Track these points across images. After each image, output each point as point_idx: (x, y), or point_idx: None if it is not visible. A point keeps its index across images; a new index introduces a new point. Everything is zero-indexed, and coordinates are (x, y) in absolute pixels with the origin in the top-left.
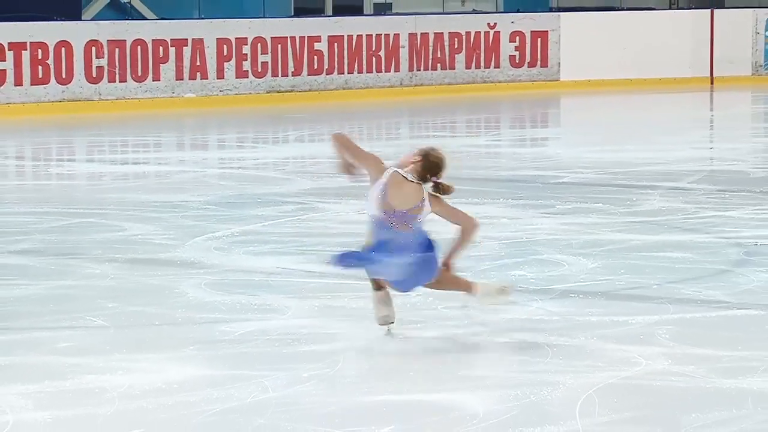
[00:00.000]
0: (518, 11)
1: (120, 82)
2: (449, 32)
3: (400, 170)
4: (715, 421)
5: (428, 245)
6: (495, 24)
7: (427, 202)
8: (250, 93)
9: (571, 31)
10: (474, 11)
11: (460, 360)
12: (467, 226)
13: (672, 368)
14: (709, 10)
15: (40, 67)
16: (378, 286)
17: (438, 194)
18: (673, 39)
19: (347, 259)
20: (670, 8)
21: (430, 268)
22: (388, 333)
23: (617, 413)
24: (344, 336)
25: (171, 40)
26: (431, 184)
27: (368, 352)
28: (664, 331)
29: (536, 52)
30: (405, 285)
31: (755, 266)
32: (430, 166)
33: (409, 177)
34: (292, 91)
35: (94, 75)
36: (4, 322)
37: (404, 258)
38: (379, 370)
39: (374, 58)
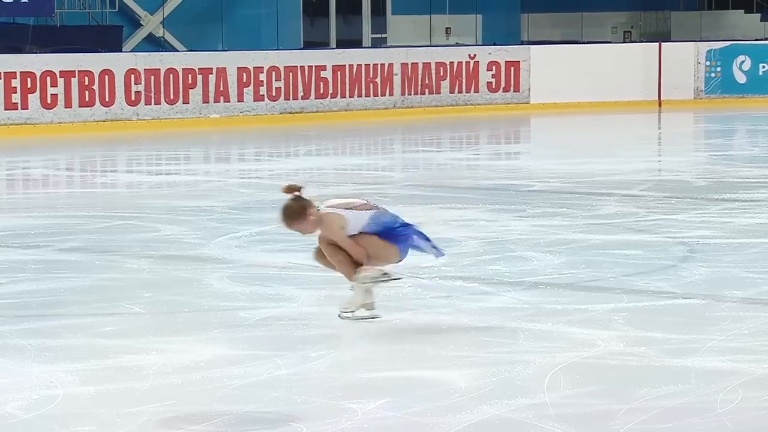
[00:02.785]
0: (494, 44)
1: (155, 104)
2: (436, 62)
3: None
4: (664, 395)
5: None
6: (475, 55)
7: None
8: (266, 114)
9: (540, 61)
10: (457, 44)
11: (445, 342)
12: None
13: (626, 349)
14: (658, 43)
15: (86, 92)
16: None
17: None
18: (626, 68)
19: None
20: (624, 42)
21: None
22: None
23: (580, 387)
24: (346, 322)
25: (199, 68)
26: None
27: (367, 336)
28: (620, 317)
29: (510, 79)
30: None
31: (697, 262)
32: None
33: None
34: (301, 112)
35: (133, 98)
36: (56, 309)
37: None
38: (376, 351)
39: (372, 84)
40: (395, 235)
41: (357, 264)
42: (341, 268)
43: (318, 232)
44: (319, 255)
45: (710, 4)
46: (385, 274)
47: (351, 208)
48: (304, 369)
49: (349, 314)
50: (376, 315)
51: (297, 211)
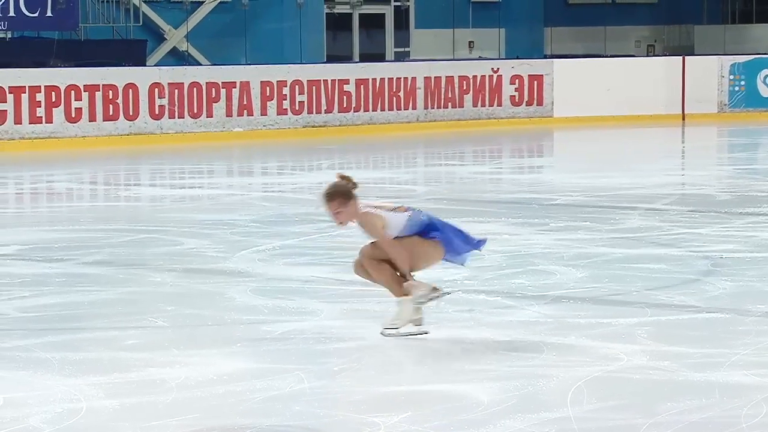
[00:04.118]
0: (518, 58)
1: (179, 118)
2: (459, 76)
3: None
4: (687, 409)
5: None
6: (498, 69)
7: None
8: (289, 127)
9: (563, 75)
10: (480, 58)
11: (467, 356)
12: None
13: (649, 363)
14: (681, 57)
15: (111, 106)
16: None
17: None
18: (650, 82)
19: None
20: (647, 56)
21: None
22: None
23: (602, 402)
24: (368, 335)
25: (222, 82)
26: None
27: (388, 349)
28: (643, 331)
29: (533, 92)
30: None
31: (721, 276)
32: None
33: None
34: (324, 126)
35: (157, 112)
36: (80, 323)
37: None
38: (398, 365)
39: (395, 98)
40: (434, 231)
41: (402, 277)
42: (388, 285)
43: (348, 225)
44: (360, 267)
45: (734, 18)
46: (435, 289)
47: (390, 211)
48: (327, 383)
49: (393, 331)
50: (423, 331)
51: (344, 192)
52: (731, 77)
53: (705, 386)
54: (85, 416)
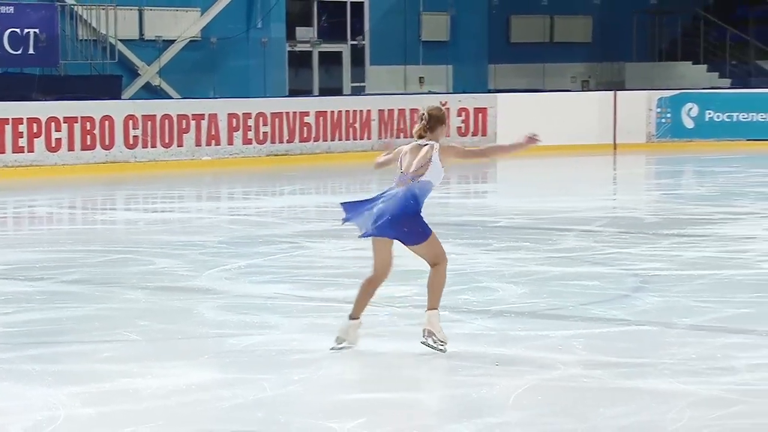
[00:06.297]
0: (464, 92)
1: (151, 147)
2: (410, 108)
3: (418, 141)
4: (618, 414)
5: (406, 199)
6: (446, 102)
7: (435, 159)
8: (254, 156)
9: (506, 108)
10: (430, 92)
11: (418, 366)
12: (483, 159)
13: (584, 372)
14: (613, 92)
15: (88, 136)
16: (355, 315)
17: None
18: (584, 114)
19: (347, 213)
20: (582, 90)
21: (396, 204)
22: (335, 350)
23: (541, 408)
24: (326, 347)
25: (192, 114)
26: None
27: (345, 361)
28: (578, 343)
29: (478, 124)
30: (379, 228)
31: (649, 292)
32: (431, 120)
33: (422, 142)
34: (286, 154)
35: (131, 142)
36: (59, 337)
37: (373, 205)
38: (354, 374)
39: (351, 129)
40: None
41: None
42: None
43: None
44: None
45: (661, 56)
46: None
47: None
48: (288, 391)
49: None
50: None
51: (441, 118)
52: (658, 110)
53: (634, 393)
54: (63, 424)
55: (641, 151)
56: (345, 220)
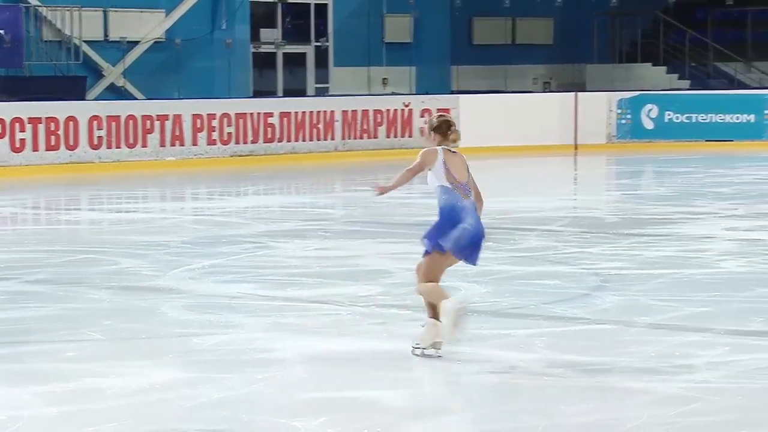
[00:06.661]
0: (427, 93)
1: (116, 148)
2: (373, 109)
3: (446, 147)
4: (579, 412)
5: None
6: (409, 103)
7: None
8: (218, 156)
9: (468, 109)
10: (393, 93)
11: (381, 365)
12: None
13: (546, 370)
14: (574, 93)
15: (52, 137)
16: (434, 314)
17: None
18: (546, 115)
19: (441, 242)
20: (544, 92)
21: (480, 226)
22: (422, 355)
23: (503, 406)
24: (290, 346)
25: (156, 115)
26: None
27: (308, 359)
28: (540, 341)
29: None
30: (473, 257)
31: (609, 291)
32: (442, 126)
33: (451, 148)
34: (251, 155)
35: (95, 143)
36: (23, 337)
37: (471, 233)
38: (318, 373)
39: (315, 129)
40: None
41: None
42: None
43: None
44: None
45: (621, 58)
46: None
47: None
48: (251, 390)
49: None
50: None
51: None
52: (618, 111)
53: (595, 391)
54: (27, 423)
55: (602, 152)
56: (438, 246)
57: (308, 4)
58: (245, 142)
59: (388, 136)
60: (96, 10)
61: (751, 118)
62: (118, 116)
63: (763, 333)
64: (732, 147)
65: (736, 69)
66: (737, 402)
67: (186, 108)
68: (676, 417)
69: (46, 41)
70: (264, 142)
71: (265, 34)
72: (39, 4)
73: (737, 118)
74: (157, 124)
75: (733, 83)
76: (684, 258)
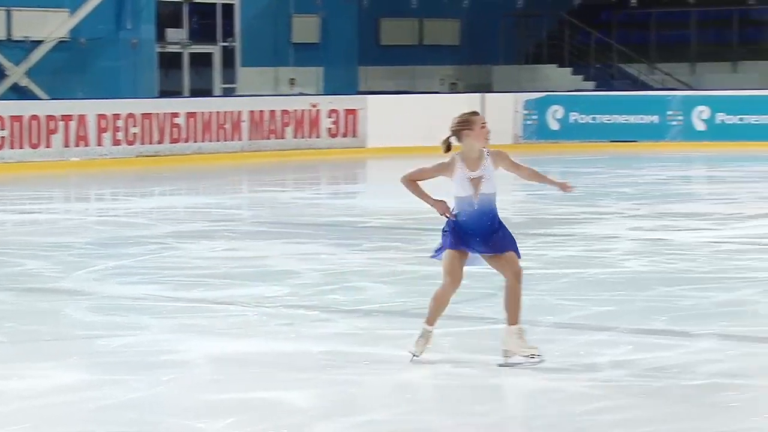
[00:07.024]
0: (335, 94)
1: (19, 148)
2: (281, 110)
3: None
4: (486, 411)
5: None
6: (317, 104)
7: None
8: (123, 157)
9: (376, 110)
10: (300, 94)
11: (288, 365)
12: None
13: (453, 370)
14: (481, 94)
15: None
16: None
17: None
18: (453, 115)
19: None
20: (451, 93)
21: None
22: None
23: (411, 405)
24: (196, 348)
25: (60, 115)
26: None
27: (215, 360)
28: (447, 341)
29: (348, 125)
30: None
31: None
32: (461, 123)
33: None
34: (156, 155)
35: None
36: None
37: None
38: (224, 374)
39: (222, 130)
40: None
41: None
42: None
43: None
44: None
45: (527, 59)
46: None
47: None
48: (157, 392)
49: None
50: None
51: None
52: (525, 112)
53: (502, 390)
54: None
55: (508, 152)
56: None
57: (214, 4)
58: (151, 143)
59: (295, 137)
60: None
61: (655, 119)
62: (21, 116)
63: (666, 332)
64: (636, 147)
65: (640, 70)
66: (641, 400)
67: (91, 108)
68: (581, 415)
69: None
70: (170, 143)
71: (171, 34)
72: None
73: (641, 119)
74: (61, 124)
75: (637, 84)
76: (588, 258)
